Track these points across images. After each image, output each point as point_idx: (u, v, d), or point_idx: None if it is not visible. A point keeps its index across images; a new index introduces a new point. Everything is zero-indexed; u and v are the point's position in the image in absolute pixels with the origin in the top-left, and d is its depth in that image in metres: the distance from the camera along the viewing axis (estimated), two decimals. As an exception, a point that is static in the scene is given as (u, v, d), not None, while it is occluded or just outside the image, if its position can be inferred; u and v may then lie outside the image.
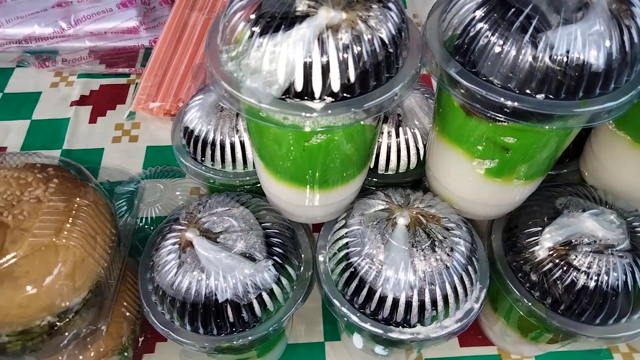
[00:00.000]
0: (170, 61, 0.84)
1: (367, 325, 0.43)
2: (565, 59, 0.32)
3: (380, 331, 0.43)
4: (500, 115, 0.34)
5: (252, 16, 0.34)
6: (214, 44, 0.37)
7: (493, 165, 0.42)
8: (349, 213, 0.48)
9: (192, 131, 0.54)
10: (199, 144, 0.53)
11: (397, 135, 0.53)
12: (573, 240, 0.44)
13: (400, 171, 0.54)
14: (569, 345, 0.56)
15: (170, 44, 0.87)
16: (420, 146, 0.53)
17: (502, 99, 0.33)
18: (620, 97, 0.34)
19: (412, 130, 0.53)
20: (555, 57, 0.32)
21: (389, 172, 0.54)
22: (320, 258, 0.48)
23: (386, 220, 0.44)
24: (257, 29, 0.34)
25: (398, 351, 0.54)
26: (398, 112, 0.53)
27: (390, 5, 0.35)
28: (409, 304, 0.42)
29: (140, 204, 0.66)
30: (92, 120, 0.82)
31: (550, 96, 0.33)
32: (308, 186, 0.45)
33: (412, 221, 0.44)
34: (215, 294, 0.42)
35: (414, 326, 0.43)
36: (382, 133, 0.52)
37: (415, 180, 0.55)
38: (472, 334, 0.61)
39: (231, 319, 0.42)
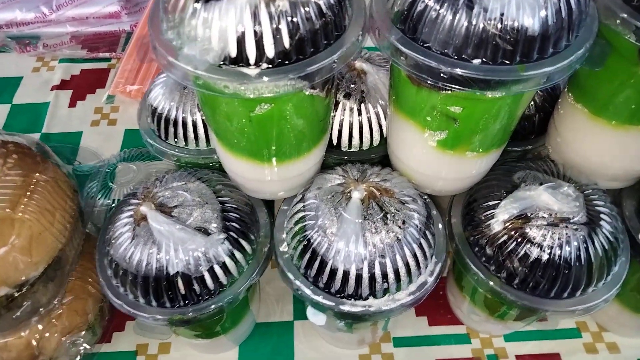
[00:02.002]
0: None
1: (320, 298, 0.43)
2: (499, 23, 0.32)
3: (332, 304, 0.43)
4: (439, 82, 0.34)
5: (190, -17, 0.34)
6: (157, 14, 0.37)
7: (443, 136, 0.41)
8: (307, 188, 0.48)
9: (156, 109, 0.54)
10: (162, 122, 0.54)
11: (360, 113, 0.52)
12: (529, 213, 0.43)
13: (363, 148, 0.54)
14: (536, 324, 0.56)
15: (150, 28, 0.87)
16: (383, 123, 0.53)
17: (437, 65, 0.33)
18: (559, 62, 0.33)
19: (375, 108, 0.52)
20: (489, 21, 0.32)
21: (352, 149, 0.54)
22: (278, 233, 0.48)
23: (340, 194, 0.44)
24: (193, -4, 0.34)
25: (363, 328, 0.54)
26: (362, 89, 0.53)
27: (330, -28, 0.35)
28: (359, 276, 0.42)
29: (113, 185, 0.67)
30: (72, 104, 0.82)
31: (488, 61, 0.33)
32: (262, 160, 0.45)
33: (366, 195, 0.44)
34: (167, 267, 0.42)
35: (366, 299, 0.43)
36: (345, 110, 0.52)
37: (382, 156, 0.55)
38: (441, 313, 0.61)
39: (182, 292, 0.42)
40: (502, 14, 0.32)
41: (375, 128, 0.53)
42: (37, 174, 0.47)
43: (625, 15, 0.35)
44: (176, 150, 0.55)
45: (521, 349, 0.57)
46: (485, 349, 0.57)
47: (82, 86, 0.85)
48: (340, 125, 0.52)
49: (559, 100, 0.49)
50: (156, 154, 0.56)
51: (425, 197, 0.48)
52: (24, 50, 0.88)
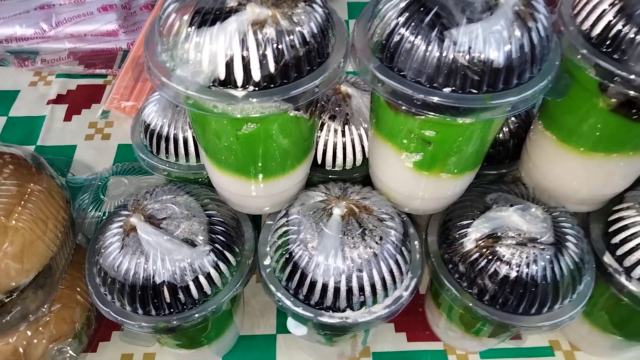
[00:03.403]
0: (146, 63, 0.87)
1: (299, 309, 0.45)
2: (467, 55, 0.35)
3: (312, 315, 0.45)
4: (413, 108, 0.37)
5: (185, 9, 0.37)
6: (153, 37, 0.40)
7: (419, 158, 0.44)
8: (291, 204, 0.50)
9: (149, 125, 0.56)
10: (154, 137, 0.56)
11: (344, 134, 0.55)
12: (499, 233, 0.46)
13: (346, 167, 0.56)
14: (511, 342, 0.58)
15: (146, 47, 0.90)
16: (366, 144, 0.55)
17: (411, 92, 0.36)
18: (522, 93, 0.36)
19: (358, 130, 0.55)
20: (458, 53, 0.35)
21: (336, 168, 0.56)
22: (262, 247, 0.50)
23: (322, 210, 0.47)
24: (187, 22, 0.36)
25: (343, 342, 0.56)
26: (346, 111, 0.56)
27: (315, 5, 0.38)
28: (337, 289, 0.44)
29: (104, 197, 0.69)
30: (67, 118, 0.84)
31: (457, 90, 0.36)
32: (249, 176, 0.47)
33: (346, 212, 0.46)
34: (154, 276, 0.44)
35: (344, 311, 0.45)
36: (330, 131, 0.55)
37: (364, 176, 0.57)
38: (420, 329, 0.62)
39: (168, 300, 0.44)
40: (470, 47, 0.34)
41: (358, 149, 0.56)
42: (31, 184, 0.49)
43: (585, 51, 0.38)
44: (167, 165, 0.57)
45: (496, 365, 0.59)
46: (461, 365, 0.59)
47: (77, 101, 0.87)
48: (325, 146, 0.55)
49: (531, 127, 0.52)
50: (147, 168, 0.58)
51: (403, 215, 0.50)
52: (22, 64, 0.91)
